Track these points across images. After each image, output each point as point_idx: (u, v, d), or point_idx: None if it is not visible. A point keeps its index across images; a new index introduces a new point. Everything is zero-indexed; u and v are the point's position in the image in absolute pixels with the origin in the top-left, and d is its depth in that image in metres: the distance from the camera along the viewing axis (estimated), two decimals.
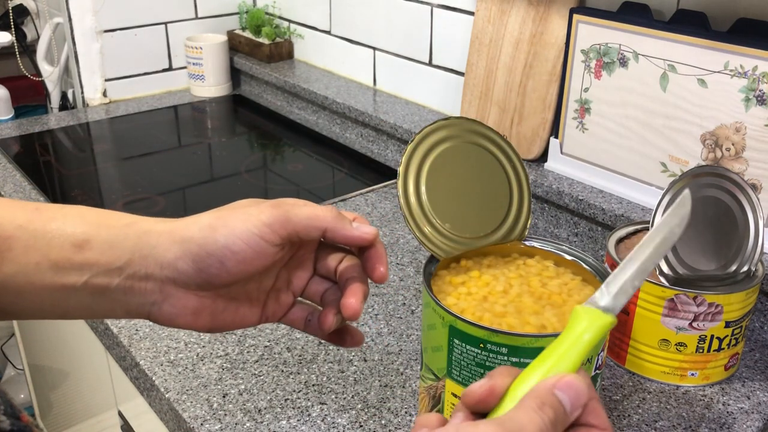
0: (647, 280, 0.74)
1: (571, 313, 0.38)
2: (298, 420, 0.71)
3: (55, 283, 0.43)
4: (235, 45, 1.69)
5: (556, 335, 0.54)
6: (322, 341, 0.82)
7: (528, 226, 0.67)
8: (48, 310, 0.44)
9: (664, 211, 0.76)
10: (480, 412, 0.37)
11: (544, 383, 0.35)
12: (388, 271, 0.48)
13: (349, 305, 0.46)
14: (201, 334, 0.83)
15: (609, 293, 0.39)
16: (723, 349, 0.75)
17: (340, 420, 0.71)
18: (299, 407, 0.72)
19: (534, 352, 0.55)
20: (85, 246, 0.42)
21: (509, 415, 0.34)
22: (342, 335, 0.50)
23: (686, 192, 0.42)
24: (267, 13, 1.68)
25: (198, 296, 0.45)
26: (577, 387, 0.35)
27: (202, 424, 0.70)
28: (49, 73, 1.64)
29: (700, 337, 0.74)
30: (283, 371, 0.77)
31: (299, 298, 0.51)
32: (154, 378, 0.76)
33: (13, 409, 0.34)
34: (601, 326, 0.37)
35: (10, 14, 1.69)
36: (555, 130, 1.06)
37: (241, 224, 0.43)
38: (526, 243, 0.67)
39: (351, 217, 0.48)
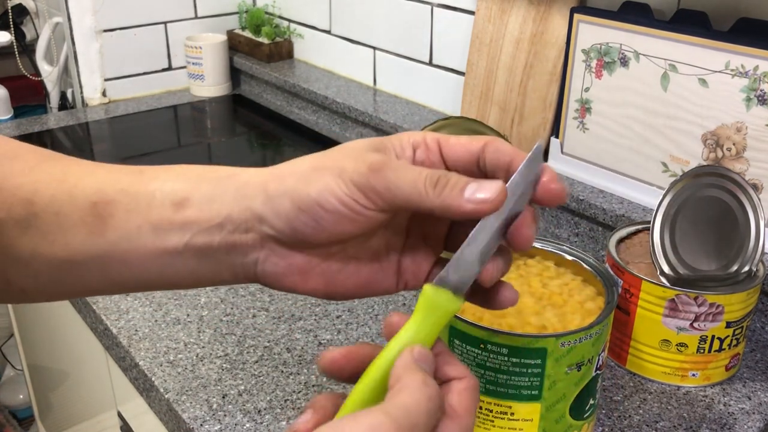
0: (648, 280, 0.73)
1: (423, 290, 0.37)
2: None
3: (158, 247, 0.40)
4: (234, 45, 1.68)
5: (557, 335, 0.54)
6: (322, 342, 0.82)
7: None
8: (155, 278, 0.41)
9: (665, 210, 0.76)
10: (334, 376, 0.37)
11: (401, 360, 0.35)
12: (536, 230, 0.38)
13: (522, 235, 0.37)
14: (201, 334, 0.83)
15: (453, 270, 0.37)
16: (724, 349, 0.75)
17: None
18: (299, 408, 0.72)
19: (534, 353, 0.55)
20: (184, 204, 0.40)
21: (389, 401, 0.32)
22: (494, 294, 0.40)
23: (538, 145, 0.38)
24: (267, 13, 1.67)
25: (304, 254, 0.39)
26: (426, 355, 0.35)
27: (201, 425, 0.70)
28: (49, 73, 1.64)
29: (701, 337, 0.74)
30: (283, 372, 0.77)
31: (444, 253, 0.42)
32: (153, 378, 0.76)
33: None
34: (447, 310, 0.37)
35: (10, 14, 1.69)
36: (555, 130, 1.06)
37: (332, 180, 0.37)
38: None
39: (506, 156, 0.38)
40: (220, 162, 1.35)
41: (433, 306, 0.36)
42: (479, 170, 0.38)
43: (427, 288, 0.36)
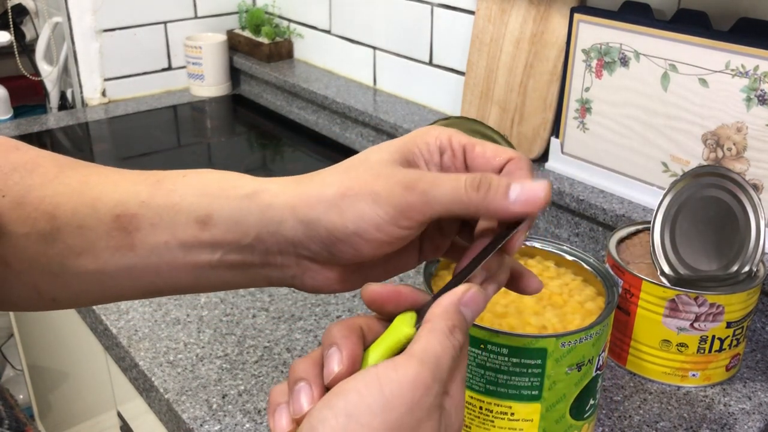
0: (648, 281, 0.73)
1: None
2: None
3: (188, 262, 0.40)
4: (234, 44, 1.68)
5: (557, 336, 0.54)
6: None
7: None
8: (189, 287, 0.42)
9: (665, 210, 0.76)
10: (374, 309, 0.37)
11: (449, 299, 0.35)
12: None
13: (533, 286, 0.42)
14: (200, 334, 0.83)
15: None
16: (724, 349, 0.75)
17: None
18: None
19: (535, 353, 0.55)
20: (209, 222, 0.40)
21: (422, 345, 0.33)
22: (518, 281, 0.43)
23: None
24: (267, 13, 1.67)
25: (338, 270, 0.40)
26: (478, 299, 0.35)
27: (201, 425, 0.70)
28: (48, 73, 1.64)
29: (701, 337, 0.74)
30: (283, 372, 0.77)
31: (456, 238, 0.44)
32: (153, 378, 0.76)
33: (18, 424, 0.34)
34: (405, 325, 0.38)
35: (9, 14, 1.69)
36: (556, 129, 1.06)
37: (369, 209, 0.37)
38: (527, 243, 0.67)
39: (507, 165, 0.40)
40: (221, 163, 1.35)
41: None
42: None
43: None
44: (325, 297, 0.90)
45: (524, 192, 0.37)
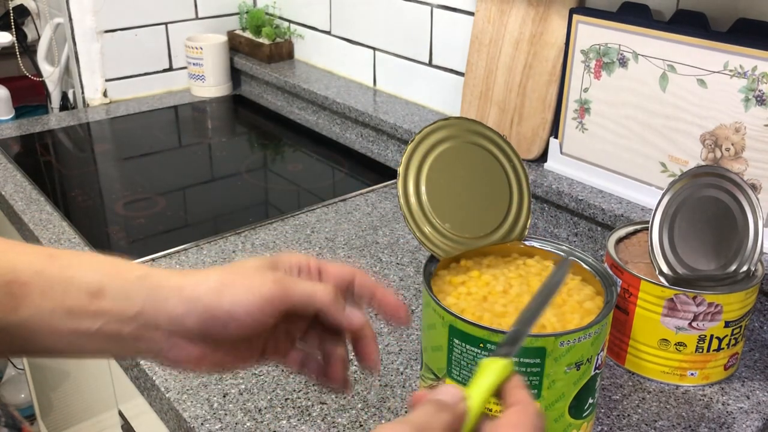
0: (647, 280, 0.74)
1: (479, 365, 0.44)
2: (298, 420, 0.71)
3: (69, 328, 0.45)
4: (235, 45, 1.69)
5: (556, 335, 0.55)
6: None
7: (528, 226, 0.67)
8: (63, 350, 0.46)
9: (663, 210, 0.76)
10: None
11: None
12: (379, 360, 0.52)
13: (373, 362, 0.51)
14: None
15: (507, 342, 0.46)
16: (722, 348, 0.75)
17: (340, 420, 0.71)
18: (299, 407, 0.73)
19: (534, 352, 0.55)
20: (99, 295, 0.45)
21: (413, 415, 0.40)
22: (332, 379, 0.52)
23: (568, 259, 0.55)
24: (267, 14, 1.68)
25: (201, 347, 0.47)
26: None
27: (202, 424, 0.70)
28: (50, 74, 1.64)
29: (699, 336, 0.74)
30: (283, 371, 0.77)
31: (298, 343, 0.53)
32: (154, 377, 0.76)
33: (14, 421, 0.34)
34: (501, 369, 0.43)
35: (11, 14, 1.69)
36: (555, 130, 1.07)
37: (243, 296, 0.45)
38: (526, 243, 0.68)
39: (369, 288, 0.51)
40: (221, 163, 1.35)
41: (493, 371, 0.44)
42: (350, 293, 0.51)
43: (486, 360, 0.44)
44: None
45: (355, 315, 0.49)
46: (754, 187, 0.85)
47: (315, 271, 0.51)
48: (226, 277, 0.46)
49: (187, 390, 0.75)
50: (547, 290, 0.50)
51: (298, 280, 0.48)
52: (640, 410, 0.73)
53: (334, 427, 0.70)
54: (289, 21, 1.64)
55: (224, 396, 0.74)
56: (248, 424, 0.70)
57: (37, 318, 0.44)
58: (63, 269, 0.45)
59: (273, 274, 0.47)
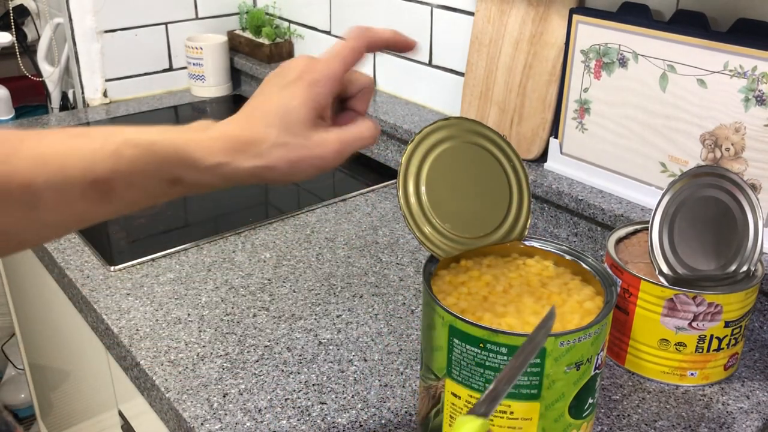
0: (647, 280, 0.74)
1: (456, 421, 0.44)
2: (298, 420, 0.71)
3: (152, 203, 0.50)
4: (235, 45, 1.69)
5: (556, 335, 0.55)
6: (323, 341, 0.82)
7: (528, 226, 0.67)
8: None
9: (663, 210, 0.76)
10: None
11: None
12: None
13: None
14: (201, 334, 0.83)
15: (485, 401, 0.46)
16: (722, 348, 0.75)
17: (340, 420, 0.71)
18: (299, 407, 0.73)
19: None
20: (177, 183, 0.49)
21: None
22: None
23: (552, 309, 0.53)
24: (267, 14, 1.68)
25: None
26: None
27: (202, 424, 0.70)
28: (50, 74, 1.64)
29: (699, 336, 0.74)
30: (283, 371, 0.78)
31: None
32: (154, 378, 0.77)
33: (8, 427, 0.35)
34: (478, 428, 0.43)
35: (11, 14, 1.69)
36: (555, 130, 1.07)
37: (312, 171, 0.53)
38: (526, 243, 0.68)
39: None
40: None
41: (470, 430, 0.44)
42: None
43: (463, 418, 0.44)
44: (326, 297, 0.90)
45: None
46: (754, 187, 0.85)
47: (345, 86, 0.55)
48: (295, 156, 0.51)
49: (187, 390, 0.75)
50: (530, 348, 0.49)
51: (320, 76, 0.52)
52: (640, 410, 0.73)
53: (334, 427, 0.70)
54: (289, 21, 1.64)
55: (224, 396, 0.74)
56: (248, 424, 0.70)
57: (122, 206, 0.48)
58: (135, 164, 0.47)
59: (331, 137, 0.52)
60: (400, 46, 0.56)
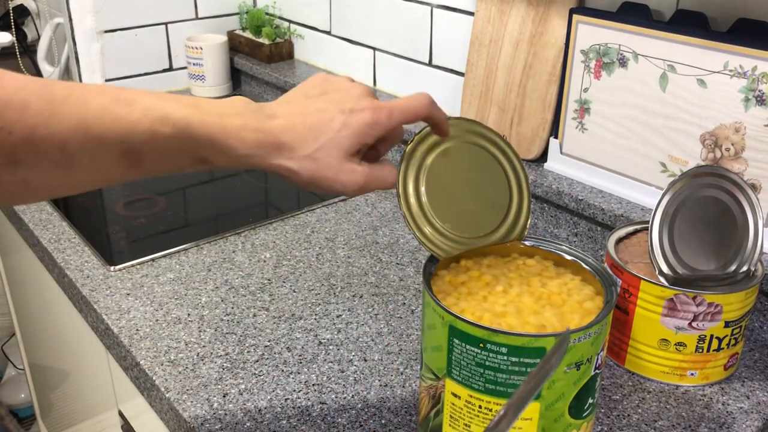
0: (647, 280, 0.74)
1: None
2: (298, 420, 0.71)
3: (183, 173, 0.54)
4: (235, 45, 1.69)
5: (556, 335, 0.55)
6: (323, 341, 0.82)
7: (528, 226, 0.67)
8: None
9: (663, 210, 0.76)
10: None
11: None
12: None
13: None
14: (201, 334, 0.83)
15: (493, 427, 0.45)
16: (722, 348, 0.75)
17: (340, 420, 0.71)
18: (299, 407, 0.73)
19: (534, 352, 0.55)
20: (204, 162, 0.52)
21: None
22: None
23: (566, 332, 0.54)
24: (267, 14, 1.68)
25: None
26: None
27: (202, 424, 0.70)
28: (50, 74, 1.64)
29: (699, 336, 0.74)
30: (283, 371, 0.78)
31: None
32: (154, 378, 0.77)
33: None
34: None
35: (11, 14, 1.70)
36: (555, 130, 1.07)
37: (334, 188, 0.55)
38: (526, 243, 0.68)
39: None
40: None
41: None
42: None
43: None
44: (325, 296, 0.90)
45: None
46: (754, 187, 0.85)
47: (390, 132, 0.59)
48: (321, 174, 0.53)
49: (187, 390, 0.75)
50: (542, 374, 0.48)
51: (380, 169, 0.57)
52: (640, 410, 0.73)
53: (334, 427, 0.70)
54: (289, 21, 1.64)
55: (224, 396, 0.74)
56: (248, 424, 0.70)
57: (149, 172, 0.51)
58: (168, 142, 0.49)
59: (359, 171, 0.55)
60: (438, 129, 0.64)
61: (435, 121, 0.62)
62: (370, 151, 0.59)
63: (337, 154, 0.53)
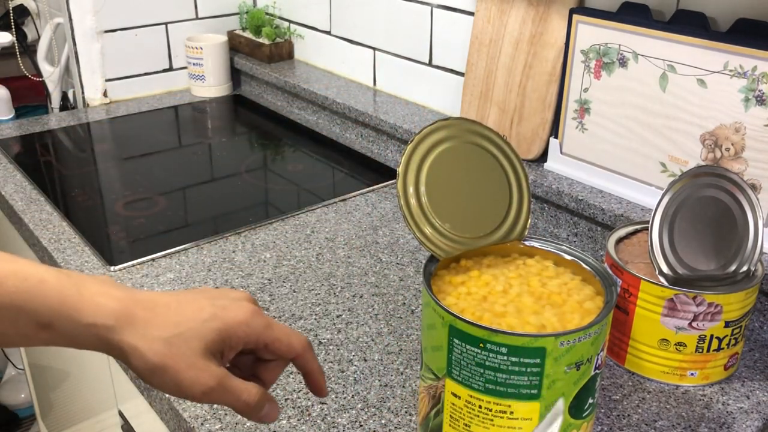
0: (647, 280, 0.74)
1: None
2: (298, 420, 0.71)
3: (21, 342, 0.49)
4: (235, 45, 1.69)
5: (556, 335, 0.55)
6: (323, 341, 0.82)
7: (528, 226, 0.67)
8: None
9: (663, 210, 0.76)
10: None
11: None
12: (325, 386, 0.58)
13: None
14: None
15: None
16: (722, 348, 0.75)
17: (340, 420, 0.71)
18: (299, 407, 0.73)
19: (534, 352, 0.55)
20: (48, 328, 0.47)
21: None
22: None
23: (560, 404, 0.55)
24: (267, 14, 1.68)
25: None
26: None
27: (202, 424, 0.70)
28: (50, 74, 1.64)
29: (699, 336, 0.74)
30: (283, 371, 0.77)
31: None
32: None
33: None
34: None
35: (11, 14, 1.70)
36: (555, 130, 1.07)
37: (181, 390, 0.49)
38: (526, 243, 0.68)
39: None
40: (222, 163, 1.35)
41: None
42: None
43: None
44: (325, 296, 0.90)
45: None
46: (754, 187, 0.85)
47: (261, 345, 0.52)
48: (170, 362, 0.47)
49: None
50: None
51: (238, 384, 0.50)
52: (640, 410, 0.73)
53: (334, 427, 0.70)
54: (289, 21, 1.64)
55: None
56: (248, 424, 0.70)
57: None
58: (14, 296, 0.45)
59: (214, 371, 0.48)
60: (310, 380, 0.57)
61: (308, 369, 0.56)
62: (260, 366, 0.56)
63: (196, 345, 0.48)
